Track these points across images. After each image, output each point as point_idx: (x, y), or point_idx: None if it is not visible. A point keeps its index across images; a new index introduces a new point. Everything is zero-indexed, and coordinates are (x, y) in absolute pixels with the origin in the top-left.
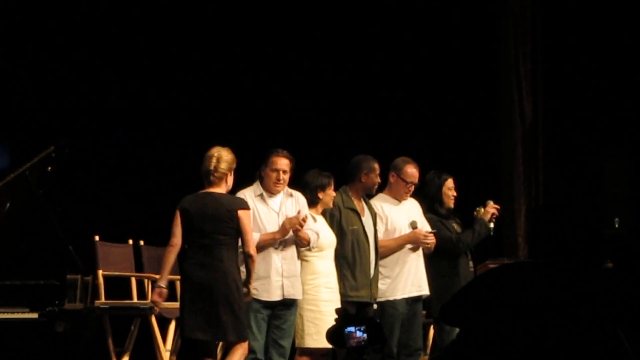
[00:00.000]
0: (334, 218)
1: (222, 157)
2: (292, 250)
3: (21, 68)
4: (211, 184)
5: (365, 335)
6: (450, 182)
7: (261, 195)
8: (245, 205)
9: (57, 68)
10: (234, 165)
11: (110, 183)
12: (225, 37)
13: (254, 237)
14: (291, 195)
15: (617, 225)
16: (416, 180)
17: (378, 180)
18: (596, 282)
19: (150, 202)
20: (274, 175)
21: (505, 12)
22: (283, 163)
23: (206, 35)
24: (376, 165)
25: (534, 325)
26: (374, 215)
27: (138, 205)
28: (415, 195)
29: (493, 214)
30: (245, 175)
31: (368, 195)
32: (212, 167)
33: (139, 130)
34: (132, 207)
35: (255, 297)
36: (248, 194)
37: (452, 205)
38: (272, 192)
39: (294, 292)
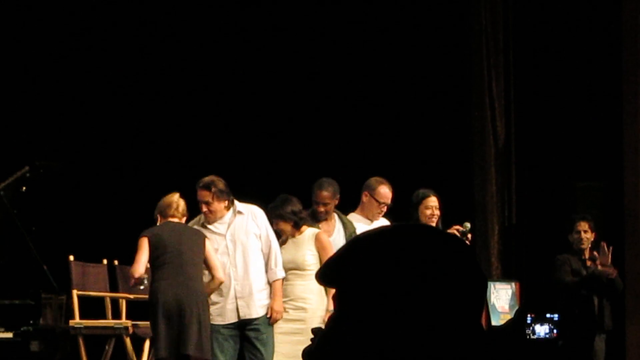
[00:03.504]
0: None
1: (181, 203)
2: (244, 270)
3: None
4: (172, 217)
5: None
6: (429, 201)
7: (202, 224)
8: (205, 235)
9: (32, 88)
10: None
11: (84, 203)
12: (200, 52)
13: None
14: (239, 212)
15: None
16: (389, 200)
17: (317, 207)
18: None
19: (125, 222)
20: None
21: (477, 32)
22: (202, 194)
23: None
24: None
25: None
26: (348, 234)
27: (113, 225)
28: (388, 215)
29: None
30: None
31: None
32: (174, 206)
33: (115, 151)
34: (106, 227)
35: (212, 322)
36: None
37: (433, 224)
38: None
39: (250, 312)
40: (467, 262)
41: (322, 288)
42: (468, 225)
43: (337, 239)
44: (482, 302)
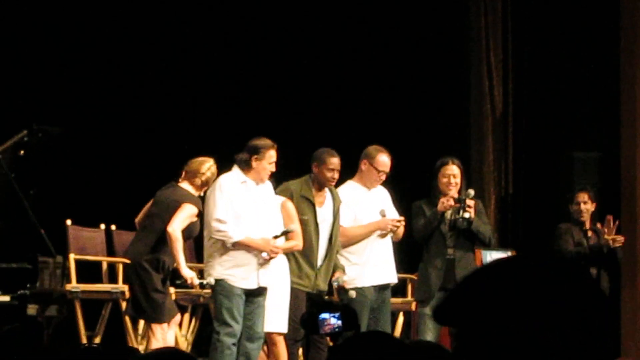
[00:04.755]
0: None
1: (212, 170)
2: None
3: None
4: (192, 183)
5: (339, 321)
6: (446, 169)
7: (245, 182)
8: (189, 200)
9: (31, 51)
10: (212, 178)
11: (82, 167)
12: (205, 35)
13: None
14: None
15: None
16: (387, 169)
17: (330, 174)
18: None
19: (123, 186)
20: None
21: (475, 2)
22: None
23: (187, 29)
24: (329, 159)
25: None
26: (336, 207)
27: (111, 190)
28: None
29: (456, 205)
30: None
31: (337, 183)
32: (201, 171)
33: (114, 115)
34: (104, 192)
35: (234, 284)
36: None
37: (451, 193)
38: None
39: (266, 281)
40: (590, 292)
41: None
42: (471, 192)
43: (326, 210)
44: (607, 331)
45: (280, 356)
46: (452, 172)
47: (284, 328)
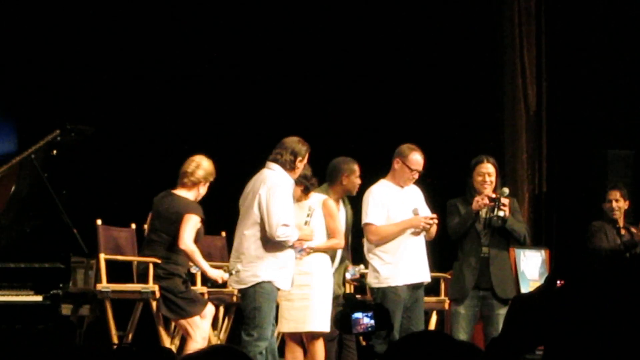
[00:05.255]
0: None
1: (202, 165)
2: None
3: (29, 50)
4: (183, 185)
5: (372, 321)
6: (481, 167)
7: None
8: (192, 211)
9: (64, 51)
10: (211, 178)
11: (114, 167)
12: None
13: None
14: None
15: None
16: (421, 167)
17: (359, 181)
18: None
19: (153, 186)
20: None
21: (509, 0)
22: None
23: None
24: (356, 167)
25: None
26: (349, 216)
27: (141, 189)
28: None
29: (490, 203)
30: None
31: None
32: (189, 170)
33: (146, 115)
34: (135, 191)
35: (277, 285)
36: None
37: (486, 192)
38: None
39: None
40: None
41: (325, 253)
42: (506, 190)
43: (342, 218)
44: None
45: (317, 355)
46: (487, 171)
47: (327, 327)
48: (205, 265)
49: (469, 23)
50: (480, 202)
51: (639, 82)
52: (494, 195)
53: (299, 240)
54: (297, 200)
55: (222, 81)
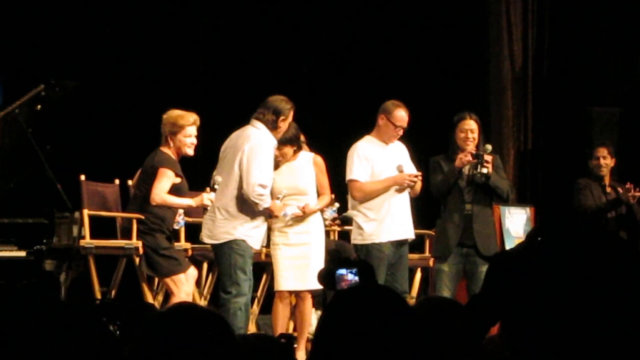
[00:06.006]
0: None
1: (164, 118)
2: None
3: (12, 5)
4: (163, 141)
5: (356, 277)
6: (464, 124)
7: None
8: (165, 164)
9: (49, 5)
10: (178, 128)
11: (98, 122)
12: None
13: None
14: None
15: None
16: (405, 124)
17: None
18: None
19: (138, 141)
20: None
21: None
22: None
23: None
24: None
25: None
26: None
27: (125, 145)
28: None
29: (473, 160)
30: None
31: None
32: (163, 124)
33: (130, 70)
34: (119, 147)
35: (251, 244)
36: None
37: (468, 148)
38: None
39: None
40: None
41: (318, 212)
42: (489, 147)
43: None
44: None
45: (307, 312)
46: (470, 127)
47: (316, 285)
48: (185, 201)
49: None
50: (463, 159)
51: (625, 39)
52: (476, 152)
53: (274, 209)
54: (287, 160)
55: (207, 37)
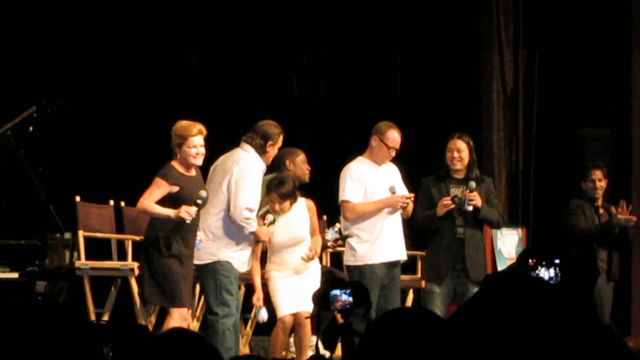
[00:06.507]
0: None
1: (172, 130)
2: None
3: (4, 26)
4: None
5: (350, 298)
6: (451, 144)
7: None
8: (160, 175)
9: (41, 28)
10: (182, 139)
11: (91, 143)
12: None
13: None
14: None
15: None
16: (398, 145)
17: (306, 167)
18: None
19: (132, 162)
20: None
21: None
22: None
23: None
24: (300, 152)
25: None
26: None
27: (120, 166)
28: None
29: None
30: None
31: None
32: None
33: (123, 91)
34: (113, 168)
35: (235, 267)
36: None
37: (455, 168)
38: None
39: None
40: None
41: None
42: (473, 184)
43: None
44: None
45: (306, 339)
46: (457, 147)
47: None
48: (164, 211)
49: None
50: (443, 208)
51: (615, 60)
52: (455, 197)
53: (260, 234)
54: (285, 212)
55: (202, 59)
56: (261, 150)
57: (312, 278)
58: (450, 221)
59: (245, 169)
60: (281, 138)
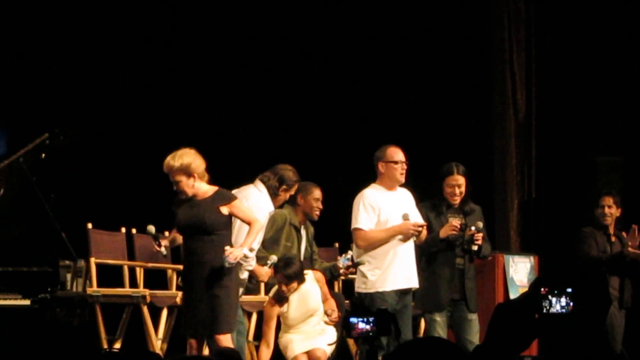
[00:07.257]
0: (275, 223)
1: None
2: None
3: (19, 55)
4: None
5: (368, 326)
6: (451, 179)
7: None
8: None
9: (55, 56)
10: (190, 170)
11: (103, 171)
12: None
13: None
14: None
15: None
16: (403, 157)
17: (317, 205)
18: None
19: (143, 190)
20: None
21: (499, 4)
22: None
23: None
24: (314, 189)
25: None
26: (309, 237)
27: (131, 194)
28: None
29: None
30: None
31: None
32: None
33: (135, 118)
34: (125, 195)
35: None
36: None
37: (453, 202)
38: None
39: None
40: None
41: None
42: (480, 224)
43: (304, 237)
44: None
45: None
46: (457, 183)
47: (324, 345)
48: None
49: (458, 27)
50: (447, 231)
51: (628, 88)
52: (463, 225)
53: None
54: (294, 291)
55: (211, 82)
56: (273, 192)
57: (328, 335)
58: (449, 251)
59: (252, 208)
60: (296, 187)
